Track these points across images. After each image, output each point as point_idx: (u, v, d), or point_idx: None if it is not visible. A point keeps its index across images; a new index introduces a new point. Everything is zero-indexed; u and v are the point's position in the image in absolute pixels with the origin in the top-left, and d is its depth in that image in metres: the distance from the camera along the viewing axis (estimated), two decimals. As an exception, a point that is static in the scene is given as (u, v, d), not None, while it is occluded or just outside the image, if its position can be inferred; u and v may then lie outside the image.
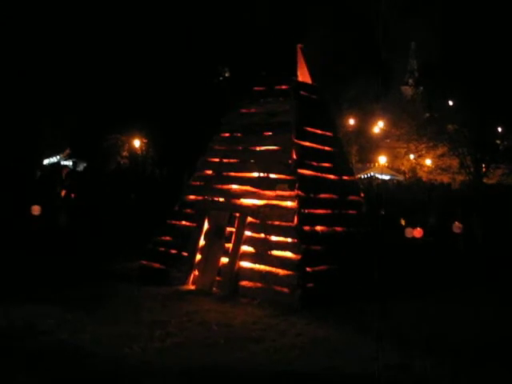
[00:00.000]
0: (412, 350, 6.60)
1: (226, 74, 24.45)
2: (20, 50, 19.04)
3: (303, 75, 11.12)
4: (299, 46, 11.09)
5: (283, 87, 10.62)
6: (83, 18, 19.73)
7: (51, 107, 20.87)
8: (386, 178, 28.53)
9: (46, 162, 26.46)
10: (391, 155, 29.63)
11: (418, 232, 14.27)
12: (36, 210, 13.75)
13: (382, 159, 28.24)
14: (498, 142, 27.44)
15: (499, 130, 27.92)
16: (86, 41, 20.22)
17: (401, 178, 29.81)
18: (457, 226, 14.44)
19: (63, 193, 15.23)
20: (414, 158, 29.35)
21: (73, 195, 15.57)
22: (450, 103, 28.59)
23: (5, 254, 10.82)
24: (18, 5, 18.24)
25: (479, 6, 22.25)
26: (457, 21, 23.41)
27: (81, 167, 25.50)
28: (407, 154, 29.55)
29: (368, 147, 30.15)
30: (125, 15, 20.50)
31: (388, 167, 29.78)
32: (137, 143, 23.82)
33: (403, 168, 30.29)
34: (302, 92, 10.70)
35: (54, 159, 28.23)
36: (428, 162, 29.46)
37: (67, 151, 27.94)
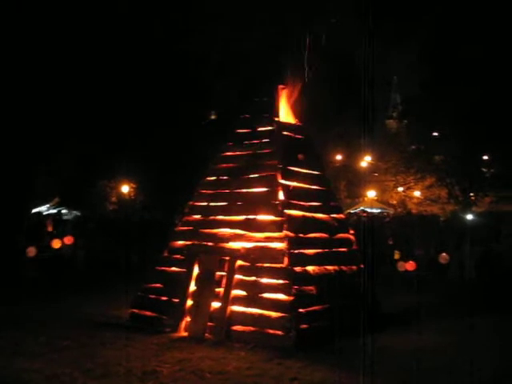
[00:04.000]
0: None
1: (213, 117, 24.64)
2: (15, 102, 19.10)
3: (288, 115, 11.21)
4: (281, 86, 11.18)
5: (267, 128, 10.71)
6: (75, 65, 19.84)
7: (42, 156, 20.86)
8: (376, 211, 28.55)
9: (35, 210, 26.33)
10: (380, 189, 29.69)
11: (410, 265, 14.29)
12: (31, 251, 13.87)
13: (371, 193, 28.32)
14: (485, 170, 27.60)
15: (485, 158, 28.13)
16: (75, 93, 20.30)
17: (391, 211, 29.81)
18: (443, 257, 14.52)
19: (55, 242, 15.21)
20: (403, 191, 29.46)
21: (66, 241, 15.59)
22: (436, 134, 28.82)
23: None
24: None
25: (460, 36, 22.63)
26: (439, 50, 23.74)
27: (70, 215, 25.47)
28: (396, 186, 29.63)
29: (356, 182, 30.27)
30: (116, 62, 20.65)
31: (377, 201, 29.84)
32: (125, 189, 23.77)
33: (392, 201, 30.34)
34: (285, 132, 10.78)
35: (43, 208, 28.09)
36: (417, 193, 29.57)
37: (56, 200, 27.81)
